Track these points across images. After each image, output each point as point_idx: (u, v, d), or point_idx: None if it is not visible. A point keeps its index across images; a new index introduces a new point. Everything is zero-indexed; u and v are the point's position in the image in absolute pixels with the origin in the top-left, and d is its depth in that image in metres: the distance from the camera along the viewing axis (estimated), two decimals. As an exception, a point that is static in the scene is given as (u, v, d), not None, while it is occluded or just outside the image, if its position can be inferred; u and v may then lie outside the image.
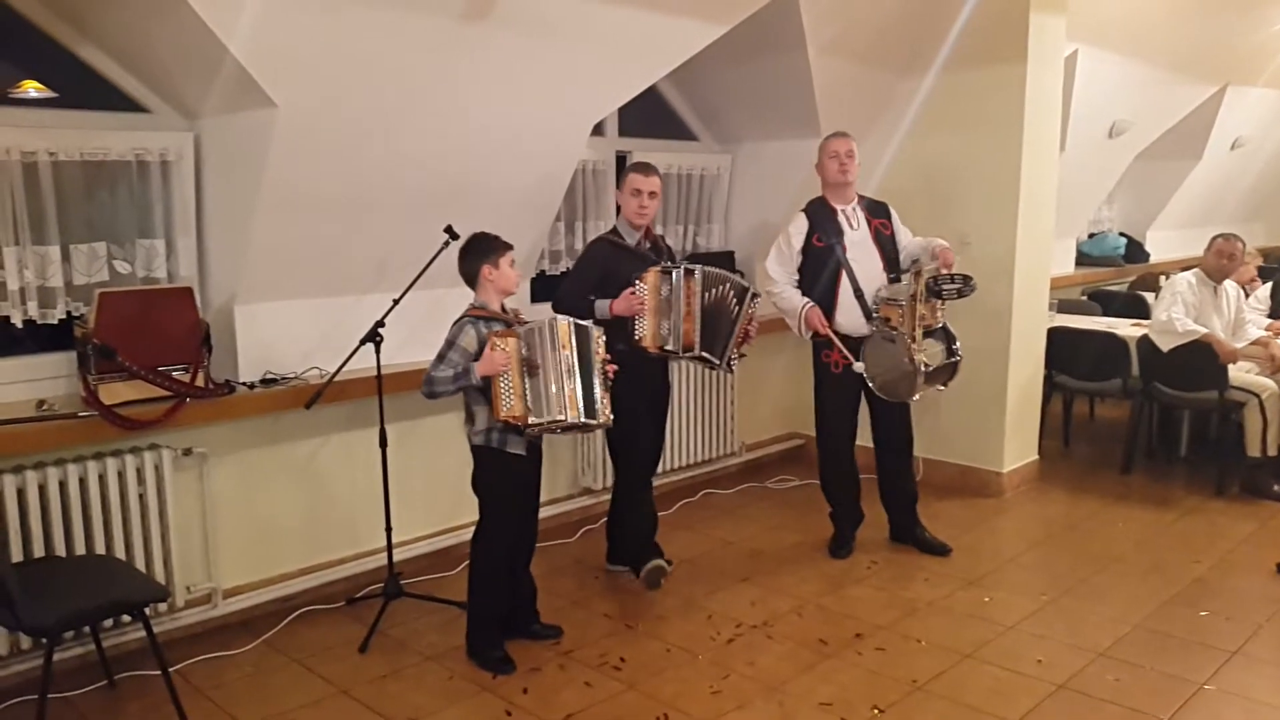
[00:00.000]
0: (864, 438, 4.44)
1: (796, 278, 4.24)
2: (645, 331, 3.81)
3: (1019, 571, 4.28)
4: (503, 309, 3.44)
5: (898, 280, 4.18)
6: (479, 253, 3.40)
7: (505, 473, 3.43)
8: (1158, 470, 5.70)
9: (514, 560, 3.56)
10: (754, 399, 5.77)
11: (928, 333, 4.02)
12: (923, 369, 3.96)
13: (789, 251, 4.24)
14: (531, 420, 3.26)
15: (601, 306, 3.83)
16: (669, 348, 3.83)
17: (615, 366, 3.46)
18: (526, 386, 3.26)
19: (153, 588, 3.12)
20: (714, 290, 3.86)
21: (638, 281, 3.79)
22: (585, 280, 3.90)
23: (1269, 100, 8.42)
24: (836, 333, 4.17)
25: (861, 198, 4.29)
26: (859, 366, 4.09)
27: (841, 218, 4.21)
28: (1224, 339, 5.18)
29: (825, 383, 4.34)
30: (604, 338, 3.44)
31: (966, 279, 3.97)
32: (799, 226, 4.23)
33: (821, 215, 4.22)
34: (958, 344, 4.13)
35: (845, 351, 4.14)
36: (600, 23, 3.82)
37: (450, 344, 3.32)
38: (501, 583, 3.49)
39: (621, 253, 3.91)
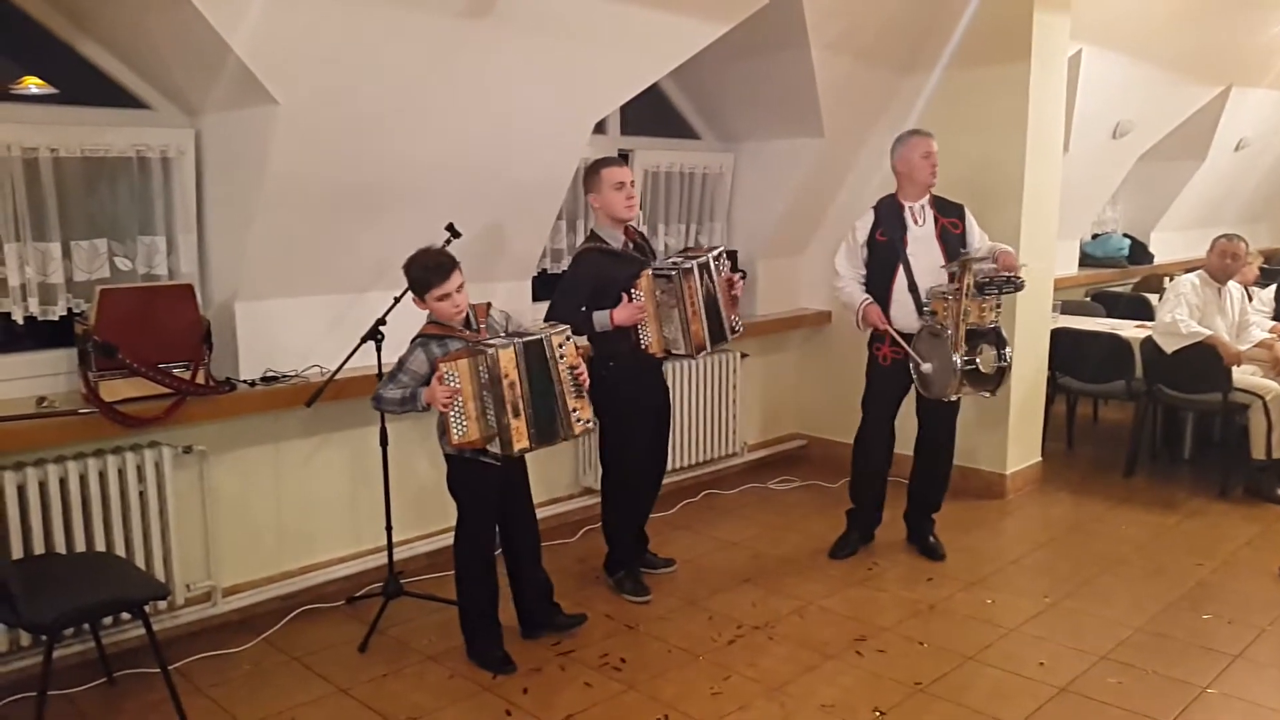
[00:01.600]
0: (901, 445, 4.44)
1: (863, 273, 4.26)
2: (651, 338, 3.79)
3: (1021, 573, 4.27)
4: (468, 322, 3.31)
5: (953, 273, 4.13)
6: (410, 284, 3.28)
7: (482, 479, 3.37)
8: (1161, 472, 5.69)
9: (517, 562, 3.56)
10: (757, 399, 5.76)
11: (979, 334, 4.00)
12: (959, 366, 3.94)
13: (855, 245, 4.27)
14: (490, 449, 3.18)
15: (601, 318, 3.76)
16: (677, 351, 3.81)
17: (585, 374, 3.29)
18: (484, 406, 3.13)
19: (153, 585, 3.12)
20: (707, 279, 3.82)
21: (633, 290, 3.75)
22: (577, 294, 3.79)
23: (1273, 102, 8.40)
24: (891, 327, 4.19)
25: (935, 197, 4.27)
26: (927, 367, 4.07)
27: (907, 213, 4.21)
28: (1228, 341, 5.16)
29: (874, 377, 4.36)
30: (567, 343, 3.24)
31: (1013, 279, 3.98)
32: (865, 221, 4.26)
33: (889, 211, 4.23)
34: (1008, 349, 4.07)
35: (906, 347, 4.12)
36: (603, 20, 3.81)
37: (401, 365, 3.25)
38: (487, 581, 3.46)
39: (611, 259, 3.83)
